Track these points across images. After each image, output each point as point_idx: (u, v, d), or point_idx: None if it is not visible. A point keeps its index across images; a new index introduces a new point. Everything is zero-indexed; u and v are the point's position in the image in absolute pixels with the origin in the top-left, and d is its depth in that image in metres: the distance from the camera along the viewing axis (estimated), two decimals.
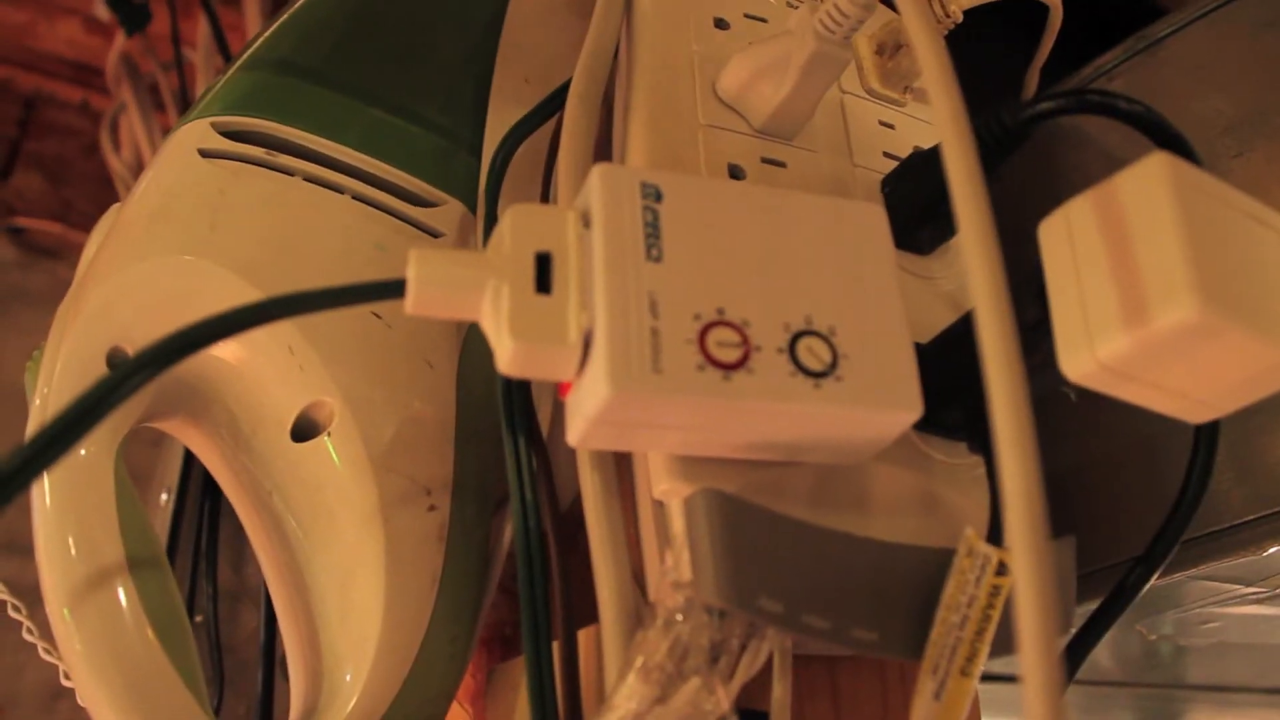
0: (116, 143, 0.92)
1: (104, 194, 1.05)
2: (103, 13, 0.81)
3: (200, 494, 0.59)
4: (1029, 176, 0.41)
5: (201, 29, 0.74)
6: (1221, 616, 0.52)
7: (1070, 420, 0.44)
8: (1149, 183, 0.25)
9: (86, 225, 1.11)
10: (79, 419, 0.27)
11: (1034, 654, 0.21)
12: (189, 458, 0.61)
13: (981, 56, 0.43)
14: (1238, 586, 0.45)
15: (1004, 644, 0.27)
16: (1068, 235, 0.26)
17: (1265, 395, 0.26)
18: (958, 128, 0.25)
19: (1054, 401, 0.44)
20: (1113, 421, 0.43)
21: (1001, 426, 0.23)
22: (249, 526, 0.36)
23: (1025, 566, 0.22)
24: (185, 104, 0.79)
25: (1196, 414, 0.27)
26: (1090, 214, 0.26)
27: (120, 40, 0.87)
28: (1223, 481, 0.39)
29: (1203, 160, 0.31)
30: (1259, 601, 0.48)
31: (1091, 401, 0.43)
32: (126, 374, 0.28)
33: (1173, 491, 0.35)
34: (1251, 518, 0.39)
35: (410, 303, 0.25)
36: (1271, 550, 0.38)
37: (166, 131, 0.83)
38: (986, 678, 0.37)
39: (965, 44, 0.42)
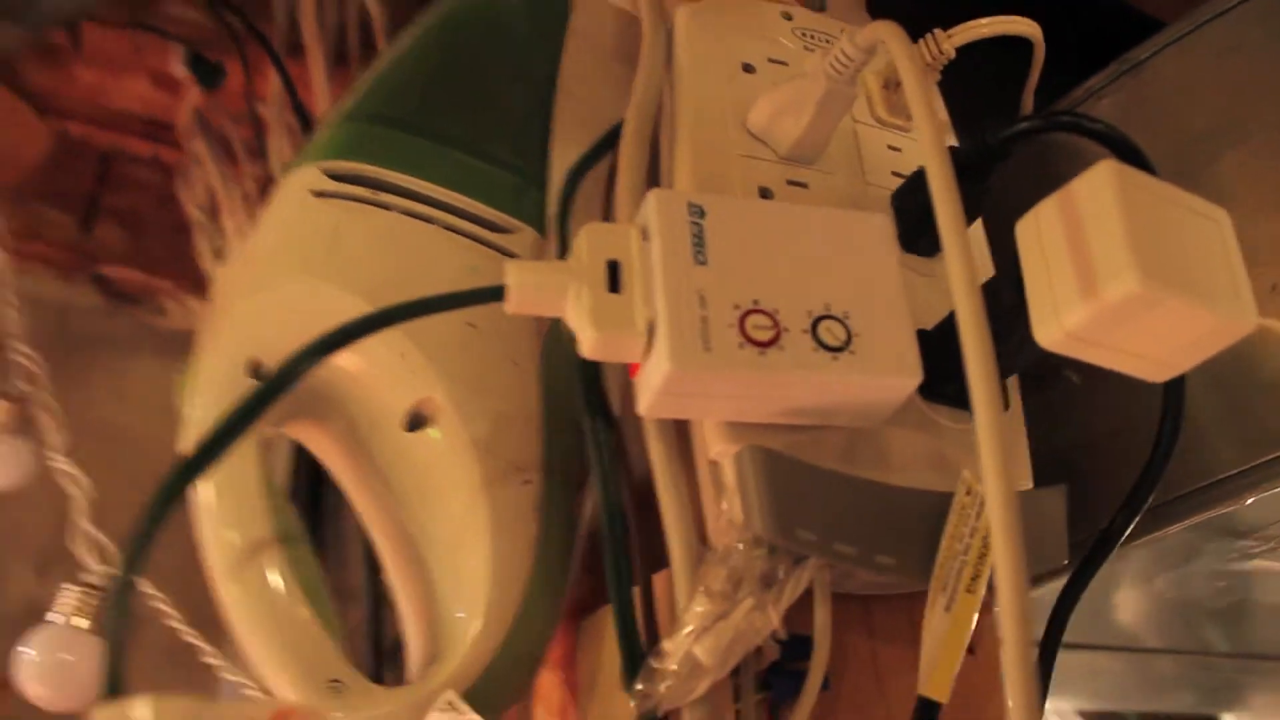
0: (191, 192, 1.01)
1: (178, 241, 1.14)
2: (180, 71, 0.90)
3: (304, 501, 0.66)
4: (1029, 185, 0.48)
5: (272, 84, 0.83)
6: (1231, 574, 0.58)
7: (1076, 401, 0.51)
8: (1098, 185, 0.32)
9: (163, 271, 1.21)
10: (244, 417, 0.36)
11: (1005, 570, 0.28)
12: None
13: (983, 81, 0.50)
14: (1233, 540, 0.51)
15: None
16: (1037, 231, 0.34)
17: (1209, 354, 0.34)
18: (937, 152, 0.32)
19: (1061, 385, 0.51)
20: (1111, 402, 0.50)
21: (975, 389, 0.30)
22: (365, 511, 0.43)
23: (996, 499, 0.29)
24: (260, 153, 0.88)
25: (1156, 373, 0.34)
26: (1054, 213, 0.33)
27: (192, 96, 0.96)
28: (1209, 439, 0.46)
29: (1157, 168, 0.39)
30: (1262, 556, 0.54)
31: (1092, 385, 0.50)
32: (275, 384, 0.37)
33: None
34: (1234, 471, 0.45)
35: (510, 304, 0.33)
36: (1250, 500, 0.44)
37: (238, 179, 0.92)
38: None
39: (969, 70, 0.49)
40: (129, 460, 1.11)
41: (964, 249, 0.31)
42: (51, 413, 0.69)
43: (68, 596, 0.56)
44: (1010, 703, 0.28)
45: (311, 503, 0.66)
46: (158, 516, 0.35)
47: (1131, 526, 0.40)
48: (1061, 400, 0.51)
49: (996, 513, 0.29)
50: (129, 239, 1.15)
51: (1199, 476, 0.46)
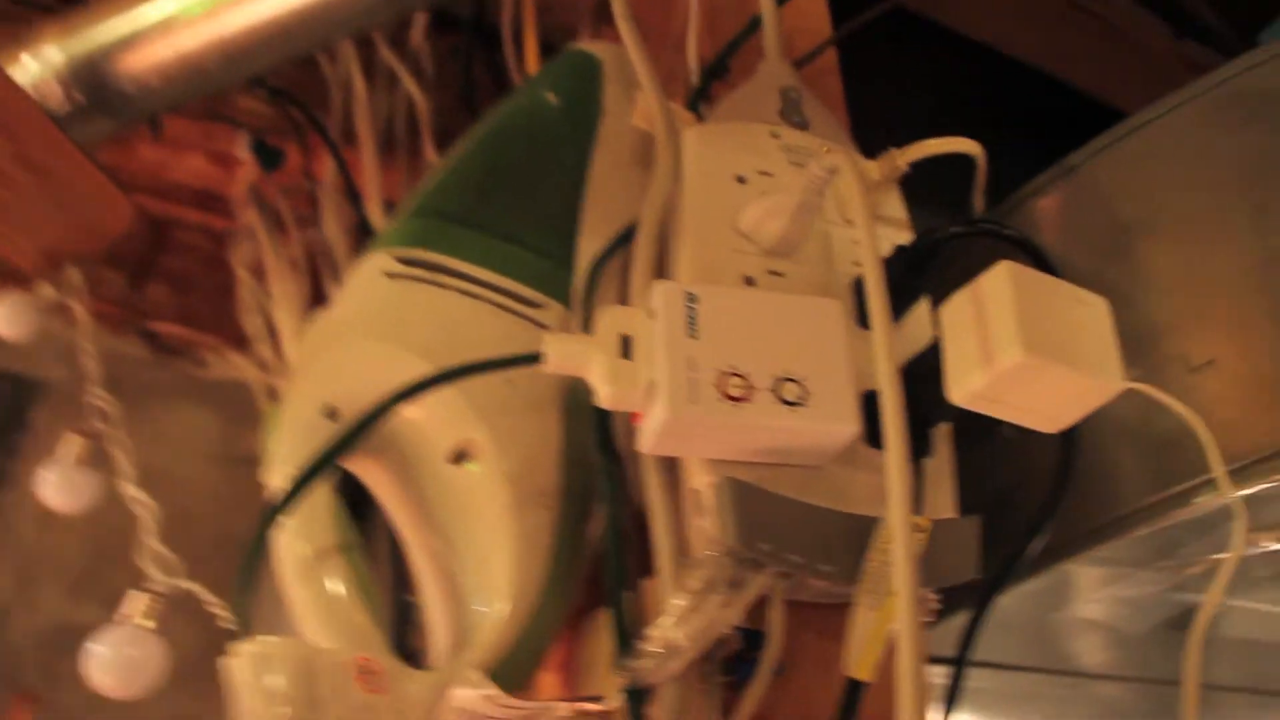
0: (240, 256, 1.12)
1: (221, 301, 1.25)
2: (244, 154, 1.02)
3: None
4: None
5: (329, 167, 0.94)
6: (1162, 603, 0.67)
7: (1010, 451, 0.62)
8: (998, 280, 0.43)
9: (208, 328, 1.32)
10: (330, 456, 0.46)
11: (901, 575, 0.38)
12: None
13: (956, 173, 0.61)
14: (1153, 569, 0.61)
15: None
16: (954, 314, 0.45)
17: (1089, 411, 0.44)
18: (871, 260, 0.43)
19: (998, 439, 0.62)
20: (1038, 450, 0.60)
21: (889, 439, 0.40)
22: (406, 529, 0.53)
23: (895, 518, 0.39)
24: (311, 223, 0.98)
25: (1049, 425, 0.45)
26: (965, 300, 0.44)
27: (246, 172, 1.08)
28: (1115, 479, 0.56)
29: (1055, 263, 0.49)
30: (1183, 588, 0.64)
31: (1023, 438, 0.60)
32: (361, 425, 0.47)
33: (1079, 494, 0.52)
34: (1136, 505, 0.55)
35: (547, 366, 0.44)
36: (1142, 533, 0.54)
37: (286, 246, 1.03)
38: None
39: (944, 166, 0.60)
40: (165, 498, 1.22)
41: (886, 332, 0.42)
42: (124, 448, 0.80)
43: (136, 601, 0.66)
44: (900, 676, 0.37)
45: None
46: (264, 537, 0.45)
47: (1029, 552, 0.50)
48: (1000, 451, 0.61)
49: (896, 528, 0.40)
50: (176, 297, 1.26)
51: (1104, 511, 0.56)
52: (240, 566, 0.45)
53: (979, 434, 0.57)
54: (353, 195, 0.91)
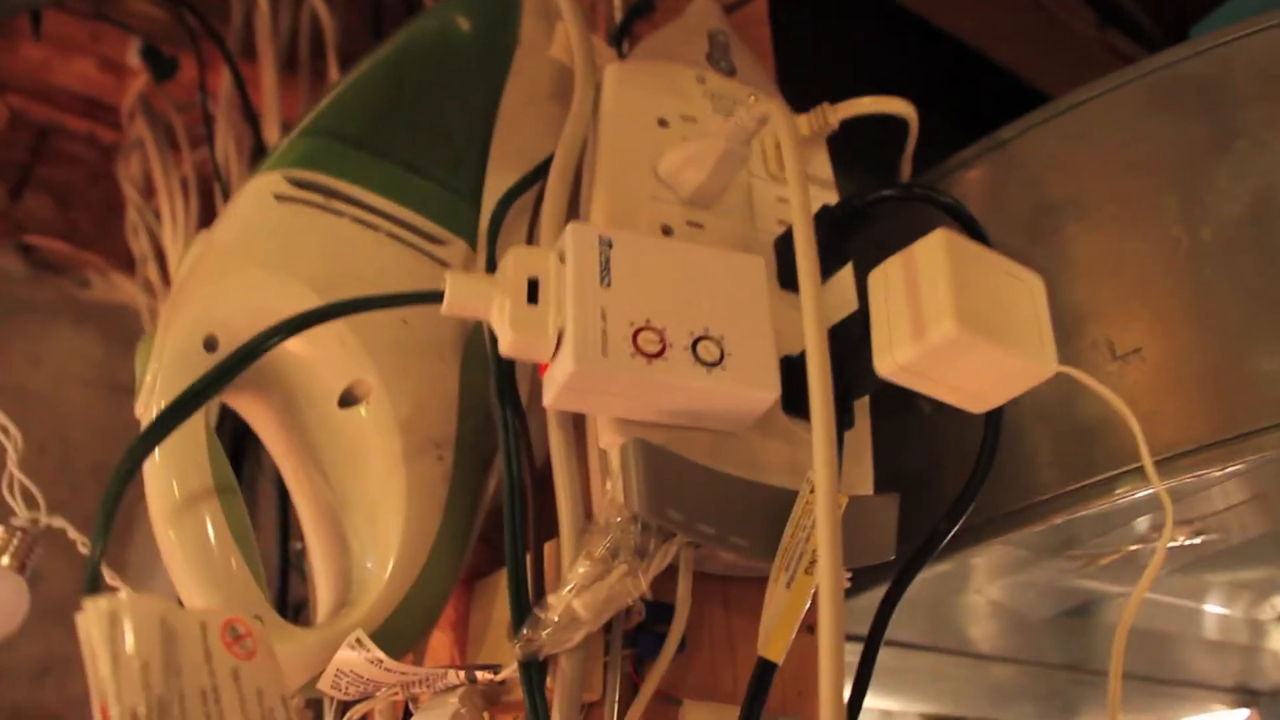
0: (129, 171, 1.05)
1: (107, 218, 1.18)
2: (134, 61, 0.95)
3: None
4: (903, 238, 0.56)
5: (224, 81, 0.88)
6: (1061, 590, 0.67)
7: (927, 428, 0.60)
8: (932, 248, 0.41)
9: (91, 245, 1.25)
10: (205, 389, 0.42)
11: (824, 552, 0.36)
12: None
13: (874, 144, 0.59)
14: (1057, 556, 0.60)
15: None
16: (883, 282, 0.42)
17: (1018, 393, 0.42)
18: (801, 214, 0.40)
19: (914, 414, 0.60)
20: (956, 429, 0.58)
21: (815, 409, 0.38)
22: (292, 476, 0.49)
23: (822, 493, 0.37)
24: (205, 142, 0.92)
25: (975, 405, 0.43)
26: (897, 268, 0.42)
27: (138, 83, 1.01)
28: (1033, 465, 0.54)
29: (988, 236, 0.47)
30: (1084, 575, 0.63)
31: (941, 415, 0.58)
32: (239, 357, 0.43)
33: (995, 478, 0.50)
34: (1051, 494, 0.54)
35: (446, 306, 0.40)
36: (1060, 520, 0.53)
37: (179, 165, 0.97)
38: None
39: (861, 135, 0.58)
40: (40, 423, 1.15)
41: (815, 294, 0.39)
42: None
43: None
44: (822, 659, 0.35)
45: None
46: (126, 476, 0.41)
47: (951, 535, 0.48)
48: (915, 426, 0.60)
49: (822, 503, 0.37)
50: (57, 211, 1.19)
51: (1020, 497, 0.55)
52: (99, 507, 0.41)
53: (898, 409, 0.55)
54: (250, 116, 0.85)
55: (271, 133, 0.83)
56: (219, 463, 0.47)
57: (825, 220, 0.48)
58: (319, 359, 0.48)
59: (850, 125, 0.57)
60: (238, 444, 0.72)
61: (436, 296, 0.40)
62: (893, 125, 0.59)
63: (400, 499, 0.46)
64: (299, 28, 0.88)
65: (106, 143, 1.21)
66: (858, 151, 0.60)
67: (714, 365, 0.40)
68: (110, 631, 0.32)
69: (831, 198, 0.55)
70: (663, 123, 0.52)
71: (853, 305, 0.51)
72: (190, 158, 0.99)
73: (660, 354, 0.39)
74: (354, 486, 0.48)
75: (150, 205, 1.04)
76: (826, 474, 0.37)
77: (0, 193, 1.17)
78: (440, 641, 0.55)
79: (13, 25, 1.01)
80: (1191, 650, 0.88)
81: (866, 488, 0.47)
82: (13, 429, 0.71)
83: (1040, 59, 1.16)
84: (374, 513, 0.46)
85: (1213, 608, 0.79)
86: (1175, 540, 0.58)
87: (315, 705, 0.59)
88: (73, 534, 0.62)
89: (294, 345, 0.47)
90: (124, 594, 0.33)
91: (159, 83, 0.93)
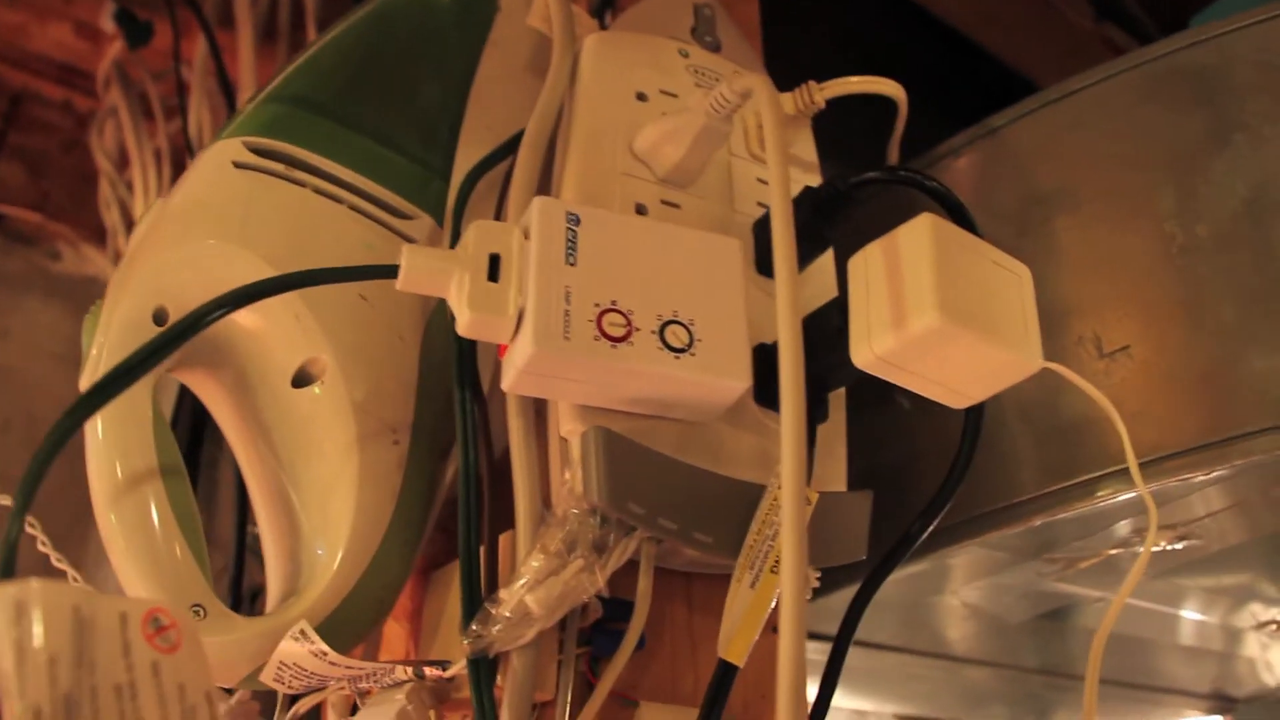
0: (102, 141, 1.02)
1: (81, 188, 1.15)
2: (108, 26, 0.91)
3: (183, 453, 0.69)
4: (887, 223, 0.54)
5: (200, 48, 0.85)
6: (1036, 593, 0.65)
7: (905, 424, 0.58)
8: (917, 233, 0.38)
9: (63, 216, 1.22)
10: (142, 361, 0.39)
11: (788, 551, 0.33)
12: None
13: (860, 126, 0.56)
14: (1033, 559, 0.58)
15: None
16: (864, 268, 0.39)
17: (1001, 388, 0.40)
18: (780, 195, 0.37)
19: (891, 409, 0.58)
20: (934, 427, 0.56)
21: (785, 400, 0.35)
22: (244, 456, 0.47)
23: (789, 493, 0.34)
24: (178, 112, 0.90)
25: (956, 400, 0.40)
26: (878, 254, 0.39)
27: (114, 49, 0.98)
28: (1012, 465, 0.52)
29: (975, 224, 0.45)
30: (1060, 578, 0.61)
31: (920, 411, 0.56)
32: (179, 329, 0.40)
33: (974, 478, 0.47)
34: (1029, 495, 0.51)
35: (401, 281, 0.37)
36: (1039, 522, 0.51)
37: (153, 135, 0.94)
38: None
39: (847, 116, 0.55)
40: (7, 399, 1.12)
41: (791, 278, 0.36)
42: None
43: None
44: (780, 657, 0.33)
45: (190, 455, 0.69)
46: (55, 446, 0.38)
47: (926, 534, 0.46)
48: (892, 422, 0.57)
49: (788, 499, 0.34)
50: (29, 180, 1.15)
51: (999, 497, 0.52)
52: (21, 482, 0.38)
53: (873, 402, 0.53)
54: (226, 85, 0.82)
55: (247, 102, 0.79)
56: (165, 443, 0.44)
57: (807, 203, 0.46)
58: (272, 335, 0.45)
59: (842, 115, 0.55)
60: (197, 423, 0.70)
61: (393, 271, 0.38)
62: (884, 114, 0.57)
63: (352, 484, 0.43)
64: None
65: (82, 110, 1.18)
66: (850, 142, 0.57)
67: (682, 351, 0.38)
68: (17, 621, 0.29)
69: (814, 180, 0.52)
70: (641, 96, 0.50)
71: (832, 293, 0.49)
72: (165, 128, 0.96)
73: (626, 338, 0.37)
74: (306, 469, 0.45)
75: (124, 176, 1.01)
76: (794, 468, 0.34)
77: None
78: (395, 633, 0.53)
79: None
80: (1167, 656, 0.86)
81: (839, 484, 0.45)
82: None
83: (1034, 50, 1.13)
84: (326, 498, 0.44)
85: (1190, 613, 0.77)
86: (1158, 545, 0.56)
87: (266, 698, 0.56)
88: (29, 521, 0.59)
89: (246, 320, 0.45)
90: (35, 581, 0.30)
91: (133, 48, 0.89)
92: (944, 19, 1.07)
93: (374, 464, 0.44)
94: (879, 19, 1.06)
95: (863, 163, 0.57)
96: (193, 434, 0.70)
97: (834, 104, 0.53)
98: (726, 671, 0.39)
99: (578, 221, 0.39)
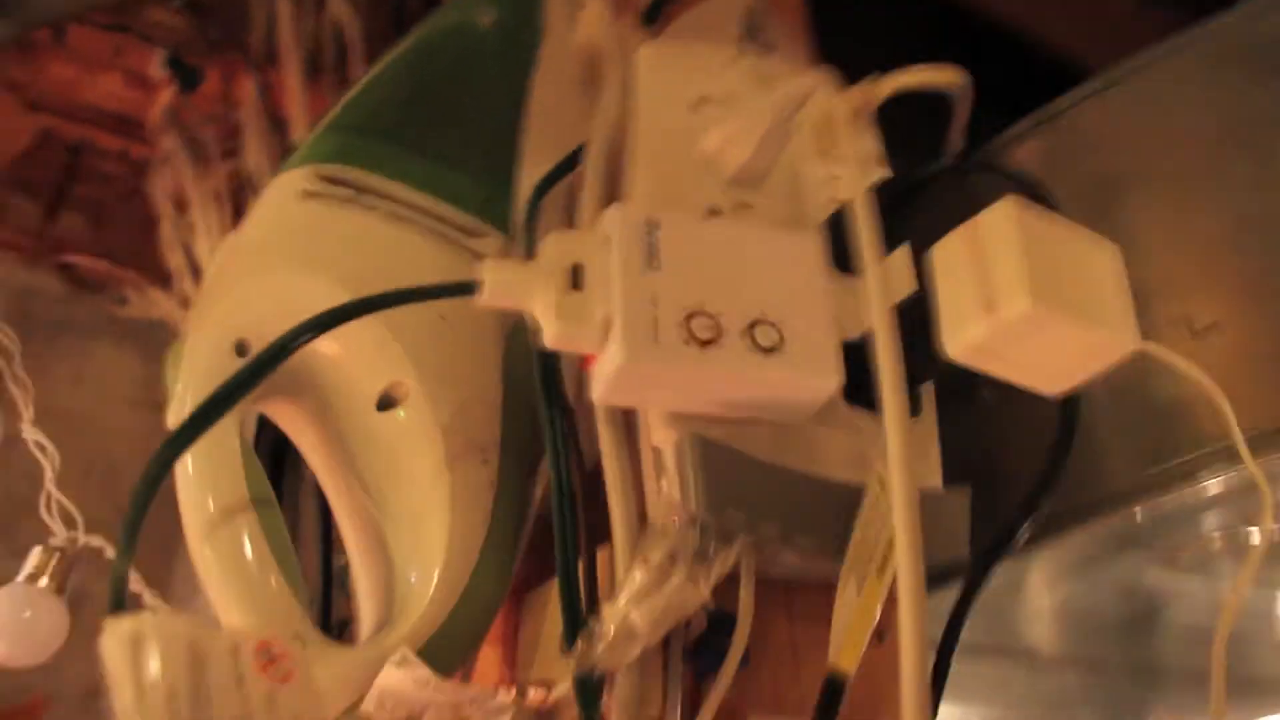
0: (161, 186, 1.03)
1: (141, 235, 1.16)
2: (159, 73, 0.92)
3: None
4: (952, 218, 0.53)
5: (249, 90, 0.86)
6: (1133, 587, 0.63)
7: (989, 415, 0.56)
8: (1001, 218, 0.37)
9: (126, 262, 1.23)
10: (230, 393, 0.39)
11: (904, 553, 0.32)
12: None
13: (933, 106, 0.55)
14: (1130, 551, 0.56)
15: None
16: (949, 257, 0.38)
17: (1097, 372, 0.38)
18: (861, 191, 0.36)
19: (974, 399, 0.56)
20: (1021, 414, 0.54)
21: (886, 395, 0.34)
22: (331, 486, 0.47)
23: (899, 491, 0.33)
24: (233, 153, 0.90)
25: (1050, 387, 0.39)
26: (963, 241, 0.38)
27: (165, 96, 0.98)
28: (1106, 453, 0.50)
29: (1058, 204, 0.43)
30: (1158, 568, 0.59)
31: (1005, 401, 0.54)
32: (264, 359, 0.40)
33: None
34: (1126, 483, 0.50)
35: (484, 297, 0.37)
36: (1138, 511, 0.49)
37: (210, 176, 0.95)
38: None
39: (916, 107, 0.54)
40: (85, 443, 1.13)
41: (879, 269, 0.35)
42: (23, 387, 0.71)
43: (33, 558, 0.58)
44: (904, 662, 0.31)
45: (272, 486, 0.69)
46: (152, 484, 0.38)
47: (1026, 529, 0.44)
48: (979, 415, 0.56)
49: (899, 502, 0.34)
50: (92, 229, 1.17)
51: (1094, 487, 0.51)
52: (124, 521, 0.38)
53: (959, 395, 0.51)
54: (277, 123, 0.82)
55: (300, 137, 0.80)
56: (255, 475, 0.44)
57: (881, 195, 0.45)
58: (353, 360, 0.45)
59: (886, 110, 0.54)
60: (277, 455, 0.70)
61: (473, 287, 0.37)
62: (927, 108, 0.56)
63: (443, 507, 0.43)
64: (322, 33, 0.86)
65: (137, 158, 1.18)
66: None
67: (772, 351, 0.37)
68: (134, 656, 0.29)
69: (882, 174, 0.50)
70: (701, 102, 0.49)
71: (909, 288, 0.47)
72: (221, 169, 0.97)
73: (715, 341, 0.36)
74: (395, 495, 0.45)
75: (183, 219, 1.02)
76: (902, 467, 0.34)
77: (35, 212, 1.15)
78: (488, 658, 0.52)
79: (40, 44, 0.99)
80: (1266, 648, 0.83)
81: (934, 480, 0.43)
82: (50, 448, 0.69)
83: (1081, 36, 1.11)
84: (416, 523, 0.43)
85: None
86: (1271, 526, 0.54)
87: None
88: (112, 553, 0.59)
89: (326, 346, 0.44)
90: (149, 615, 0.30)
91: (185, 93, 0.90)
92: (985, 11, 1.06)
93: (464, 485, 0.43)
94: (919, 15, 1.04)
95: (910, 158, 0.57)
96: (272, 467, 0.70)
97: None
98: (836, 681, 0.37)
99: (658, 227, 0.38)
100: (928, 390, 0.45)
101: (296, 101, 0.82)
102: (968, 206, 0.40)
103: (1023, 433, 0.52)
